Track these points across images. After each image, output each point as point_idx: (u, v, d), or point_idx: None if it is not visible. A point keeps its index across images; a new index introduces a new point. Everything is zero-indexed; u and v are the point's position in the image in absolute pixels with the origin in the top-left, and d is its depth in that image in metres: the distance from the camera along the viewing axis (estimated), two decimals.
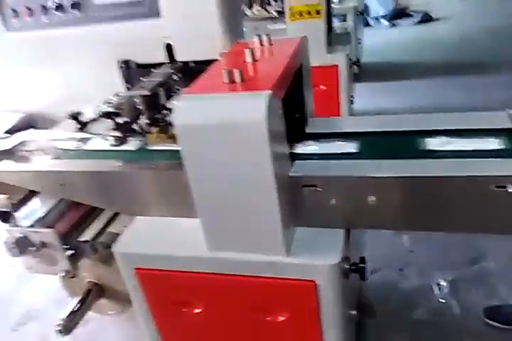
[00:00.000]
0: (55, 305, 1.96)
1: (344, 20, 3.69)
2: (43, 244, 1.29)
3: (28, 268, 1.39)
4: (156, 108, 1.23)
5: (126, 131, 1.25)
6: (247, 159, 0.88)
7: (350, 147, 1.10)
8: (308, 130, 1.23)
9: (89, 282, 1.56)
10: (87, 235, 1.39)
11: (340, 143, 1.12)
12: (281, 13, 2.91)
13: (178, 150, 0.97)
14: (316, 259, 0.98)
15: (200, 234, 1.04)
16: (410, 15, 6.36)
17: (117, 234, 1.48)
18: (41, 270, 1.36)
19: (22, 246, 1.31)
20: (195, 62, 1.36)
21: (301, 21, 2.35)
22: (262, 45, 1.17)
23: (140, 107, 1.22)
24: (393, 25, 6.22)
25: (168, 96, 1.26)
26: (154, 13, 1.31)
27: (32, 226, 1.32)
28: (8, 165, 1.31)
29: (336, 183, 0.98)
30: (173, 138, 1.23)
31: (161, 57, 1.37)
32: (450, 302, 1.75)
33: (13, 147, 1.37)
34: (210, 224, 1.01)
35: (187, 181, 0.97)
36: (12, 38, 1.47)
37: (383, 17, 6.27)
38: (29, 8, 1.41)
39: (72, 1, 1.37)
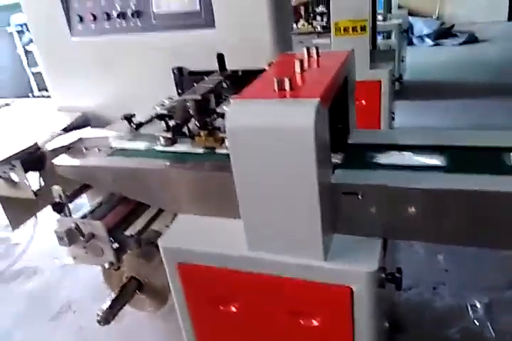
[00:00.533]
0: (92, 298, 2.05)
1: (388, 37, 3.71)
2: (92, 235, 1.36)
3: (74, 258, 1.46)
4: (205, 112, 1.29)
5: (176, 132, 1.32)
6: (292, 164, 0.92)
7: (392, 159, 1.12)
8: (350, 141, 1.27)
9: (128, 276, 1.63)
10: (132, 230, 1.47)
11: (381, 154, 1.15)
12: (325, 28, 2.98)
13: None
14: (354, 266, 1.00)
15: (240, 234, 1.09)
16: (455, 35, 6.30)
17: (158, 232, 1.56)
18: (87, 260, 1.43)
19: (72, 236, 1.39)
20: (243, 71, 1.42)
21: (346, 37, 2.40)
22: (310, 56, 1.22)
23: (191, 111, 1.29)
24: (437, 44, 6.18)
25: (218, 102, 1.32)
26: (209, 24, 1.39)
27: (83, 217, 1.40)
28: (65, 159, 1.40)
29: (376, 192, 1.01)
30: (219, 141, 1.30)
31: (212, 65, 1.44)
32: (484, 325, 1.71)
33: (71, 143, 1.46)
34: (252, 224, 1.05)
35: (230, 182, 1.02)
36: (75, 42, 1.58)
37: (427, 36, 6.24)
38: (94, 15, 1.52)
39: (134, 9, 1.46)
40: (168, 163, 1.28)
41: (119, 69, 1.58)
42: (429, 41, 6.23)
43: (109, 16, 1.50)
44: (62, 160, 1.40)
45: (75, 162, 1.38)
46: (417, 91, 4.05)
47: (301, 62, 1.08)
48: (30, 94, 4.76)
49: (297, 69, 1.08)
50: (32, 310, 2.07)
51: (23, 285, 2.24)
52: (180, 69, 1.49)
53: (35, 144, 1.47)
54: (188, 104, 1.29)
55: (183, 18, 1.42)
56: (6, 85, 5.21)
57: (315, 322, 1.09)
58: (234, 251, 1.11)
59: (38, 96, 4.69)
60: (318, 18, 2.89)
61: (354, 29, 2.34)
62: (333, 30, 2.40)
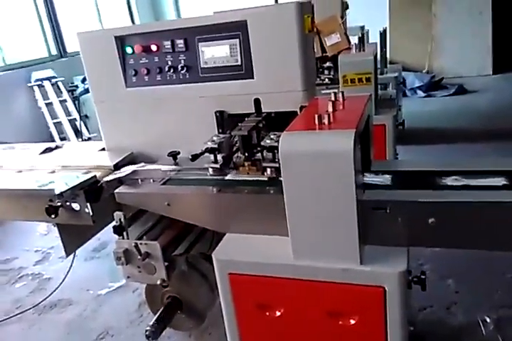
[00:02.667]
0: (129, 323, 2.18)
1: (385, 88, 4.09)
2: (147, 255, 1.56)
3: (128, 277, 1.64)
4: (249, 146, 1.53)
5: (223, 164, 1.55)
6: (334, 183, 1.15)
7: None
8: (372, 168, 1.50)
9: (170, 296, 1.79)
10: (179, 250, 1.66)
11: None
12: (331, 80, 3.32)
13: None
14: (386, 268, 1.20)
15: (283, 247, 1.29)
16: (445, 87, 6.79)
17: (196, 255, 1.76)
18: (141, 278, 1.61)
19: (128, 256, 1.58)
20: (276, 112, 1.69)
21: (353, 87, 2.71)
22: (336, 99, 1.48)
23: (237, 145, 1.53)
24: (428, 96, 6.64)
25: (258, 138, 1.56)
26: (249, 75, 1.68)
27: (140, 238, 1.60)
28: (124, 188, 1.62)
29: (402, 207, 1.23)
30: (260, 171, 1.53)
31: (249, 108, 1.71)
32: (496, 339, 1.86)
33: (126, 175, 1.69)
34: (298, 236, 1.26)
35: (275, 204, 1.24)
36: (129, 91, 1.86)
37: (419, 88, 6.71)
38: (148, 69, 1.80)
39: (184, 64, 1.75)
40: (217, 189, 1.50)
41: (165, 113, 1.85)
42: (420, 93, 6.69)
43: (161, 70, 1.78)
44: (122, 189, 1.62)
45: (134, 190, 1.61)
46: (416, 137, 4.37)
47: (333, 103, 1.34)
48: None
49: (330, 109, 1.34)
50: (71, 338, 2.19)
51: (59, 315, 2.36)
52: (221, 113, 1.76)
53: (94, 177, 1.70)
54: (235, 139, 1.54)
55: (227, 71, 1.70)
56: (27, 134, 5.52)
57: (352, 321, 1.26)
58: (281, 260, 1.30)
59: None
60: (326, 71, 3.24)
61: (360, 80, 2.67)
62: (341, 81, 2.72)
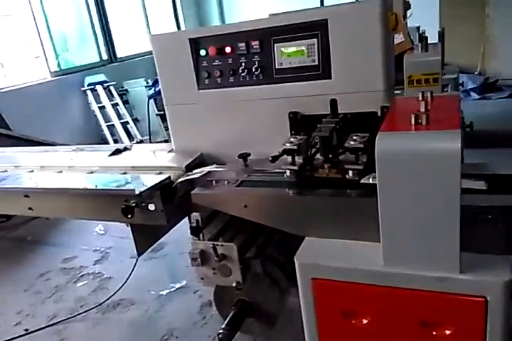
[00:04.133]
0: (192, 324, 2.18)
1: (445, 90, 3.96)
2: (223, 256, 1.54)
3: (202, 279, 1.63)
4: (329, 148, 1.49)
5: (302, 166, 1.52)
6: (436, 186, 1.09)
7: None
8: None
9: (240, 299, 1.77)
10: (252, 252, 1.64)
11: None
12: (396, 81, 3.23)
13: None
14: (489, 276, 1.12)
15: (369, 251, 1.24)
16: (501, 89, 6.52)
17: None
18: (215, 280, 1.60)
19: (204, 257, 1.57)
20: (353, 113, 1.64)
21: (419, 88, 2.62)
22: (423, 99, 1.42)
23: (317, 146, 1.50)
24: (483, 98, 6.40)
25: (339, 140, 1.52)
26: (326, 75, 1.64)
27: (215, 239, 1.59)
28: (200, 189, 1.61)
29: (504, 212, 1.16)
30: (341, 173, 1.48)
31: (324, 109, 1.67)
32: None
33: (200, 176, 1.68)
34: (391, 241, 1.20)
35: (360, 207, 1.19)
36: (202, 94, 1.85)
37: (473, 90, 6.48)
38: (221, 71, 1.80)
39: (258, 65, 1.73)
40: (297, 191, 1.47)
41: (237, 115, 1.83)
42: (474, 95, 6.46)
43: (234, 72, 1.77)
44: (199, 190, 1.61)
45: (210, 191, 1.60)
46: (485, 140, 4.20)
47: (426, 102, 1.28)
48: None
49: (422, 108, 1.28)
50: (137, 338, 2.21)
51: (123, 315, 2.40)
52: (295, 114, 1.73)
53: (169, 177, 1.71)
54: (315, 140, 1.51)
55: (302, 71, 1.67)
56: (81, 136, 5.71)
57: (447, 332, 1.20)
58: (369, 266, 1.25)
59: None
60: None
61: (427, 81, 2.58)
62: (406, 82, 2.64)
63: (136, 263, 2.27)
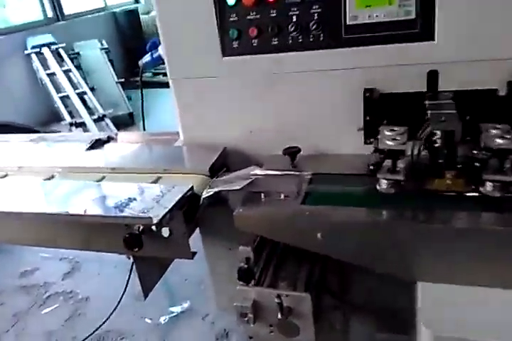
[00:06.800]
0: None
1: None
2: (289, 310, 1.04)
3: (251, 338, 1.13)
4: (455, 147, 0.99)
5: (408, 175, 1.01)
6: None
7: None
8: None
9: None
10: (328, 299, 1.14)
11: None
12: None
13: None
14: None
15: None
16: None
17: None
18: None
19: (259, 310, 1.06)
20: (459, 91, 1.14)
21: None
22: None
23: (437, 145, 0.99)
24: None
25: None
26: (426, 35, 1.11)
27: (274, 283, 1.08)
28: (247, 209, 1.07)
29: None
30: (470, 185, 0.99)
31: (414, 85, 1.16)
32: None
33: (243, 187, 1.14)
34: None
35: None
36: (228, 63, 1.28)
37: None
38: (259, 28, 1.23)
39: (318, 20, 1.18)
40: (407, 214, 0.97)
41: (280, 94, 1.29)
42: None
43: (280, 30, 1.20)
44: (245, 211, 1.07)
45: (265, 212, 1.06)
46: None
47: None
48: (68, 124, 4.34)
49: None
50: None
51: None
52: (372, 92, 1.20)
53: (192, 189, 1.16)
54: (432, 137, 1.00)
55: (389, 29, 1.13)
56: (29, 111, 4.87)
57: None
58: None
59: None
60: None
61: None
62: None
63: (128, 282, 1.68)
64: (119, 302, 1.74)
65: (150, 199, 1.10)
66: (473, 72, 1.11)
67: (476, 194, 0.97)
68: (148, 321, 1.97)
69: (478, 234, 0.91)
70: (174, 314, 1.97)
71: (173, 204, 1.06)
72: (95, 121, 4.35)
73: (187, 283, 2.00)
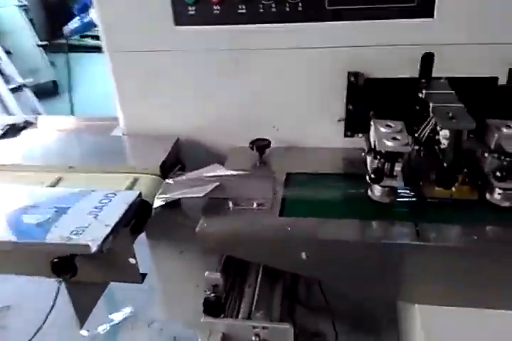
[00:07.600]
0: None
1: None
2: None
3: None
4: (461, 149, 0.83)
5: (408, 180, 0.84)
6: None
7: None
8: None
9: None
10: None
11: None
12: None
13: None
14: None
15: None
16: None
17: None
18: None
19: None
20: (454, 78, 0.98)
21: None
22: None
23: (443, 146, 0.82)
24: None
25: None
26: (425, 11, 0.93)
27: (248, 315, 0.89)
28: (211, 223, 0.86)
29: None
30: (476, 192, 0.85)
31: (402, 70, 0.99)
32: None
33: (207, 194, 0.92)
34: None
35: None
36: (181, 34, 1.03)
37: None
38: None
39: None
40: (415, 230, 0.81)
41: (246, 73, 1.06)
42: None
43: None
44: (209, 225, 0.85)
45: (233, 228, 0.85)
46: None
47: None
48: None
49: None
50: None
51: None
52: (356, 76, 1.01)
53: (140, 196, 0.92)
54: (436, 135, 0.83)
55: (379, 1, 0.93)
56: None
57: None
58: None
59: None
60: None
61: None
62: None
63: (58, 293, 1.42)
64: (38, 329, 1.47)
65: (85, 212, 0.85)
66: (475, 56, 0.96)
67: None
68: (84, 333, 1.71)
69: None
70: (115, 322, 1.73)
71: (116, 220, 0.82)
72: (12, 90, 3.83)
73: (127, 285, 1.75)
